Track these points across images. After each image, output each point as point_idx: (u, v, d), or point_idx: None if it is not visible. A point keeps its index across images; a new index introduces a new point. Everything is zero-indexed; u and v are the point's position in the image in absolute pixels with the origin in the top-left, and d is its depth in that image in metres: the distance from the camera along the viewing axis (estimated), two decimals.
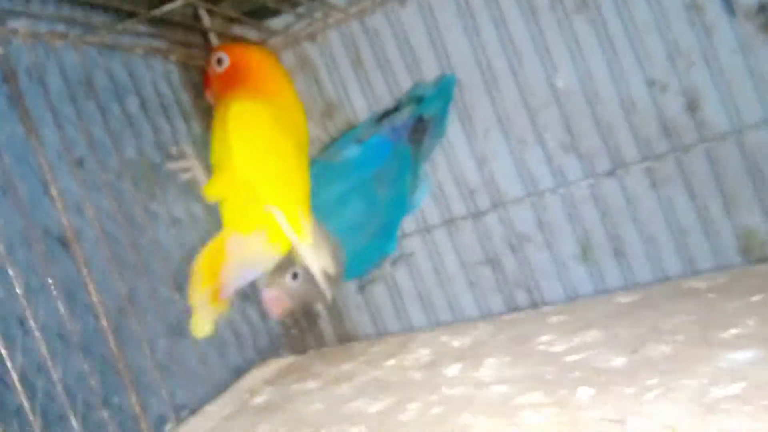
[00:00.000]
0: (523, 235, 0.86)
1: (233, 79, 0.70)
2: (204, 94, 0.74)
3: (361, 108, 0.88)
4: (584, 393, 0.40)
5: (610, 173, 0.78)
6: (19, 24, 0.56)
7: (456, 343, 0.57)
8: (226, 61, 0.70)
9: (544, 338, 0.52)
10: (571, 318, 0.55)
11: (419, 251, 0.89)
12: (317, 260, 0.65)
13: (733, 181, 0.75)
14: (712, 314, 0.48)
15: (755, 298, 0.49)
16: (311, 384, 0.57)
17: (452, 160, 0.84)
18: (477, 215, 0.84)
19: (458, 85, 0.82)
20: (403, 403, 0.47)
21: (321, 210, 0.70)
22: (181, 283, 0.68)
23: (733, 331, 0.44)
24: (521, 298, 0.87)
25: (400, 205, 0.77)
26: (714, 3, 0.79)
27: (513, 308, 0.86)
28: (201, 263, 0.61)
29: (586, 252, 0.87)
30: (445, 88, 0.79)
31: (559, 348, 0.49)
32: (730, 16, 0.82)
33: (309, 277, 0.66)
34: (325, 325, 0.91)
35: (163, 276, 0.65)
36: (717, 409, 0.35)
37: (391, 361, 0.57)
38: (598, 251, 0.83)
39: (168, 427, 0.57)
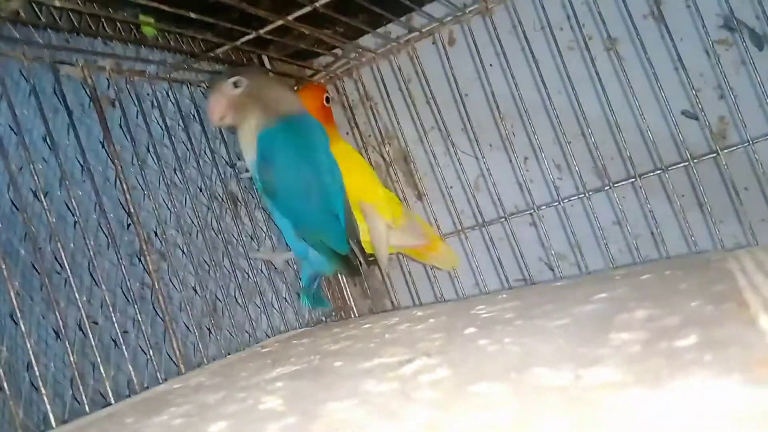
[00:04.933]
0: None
1: (329, 117, 0.94)
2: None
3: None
4: (469, 330, 0.53)
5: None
6: (106, 62, 0.76)
7: (420, 314, 0.70)
8: (329, 102, 0.95)
9: (480, 307, 0.65)
10: (526, 295, 0.67)
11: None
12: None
13: None
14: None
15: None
16: (305, 340, 0.73)
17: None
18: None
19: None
20: (354, 344, 0.61)
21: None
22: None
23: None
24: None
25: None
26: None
27: None
28: None
29: None
30: None
31: (482, 311, 0.62)
32: (758, 49, 0.91)
33: (252, 88, 0.81)
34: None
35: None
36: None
37: (368, 325, 0.71)
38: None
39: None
